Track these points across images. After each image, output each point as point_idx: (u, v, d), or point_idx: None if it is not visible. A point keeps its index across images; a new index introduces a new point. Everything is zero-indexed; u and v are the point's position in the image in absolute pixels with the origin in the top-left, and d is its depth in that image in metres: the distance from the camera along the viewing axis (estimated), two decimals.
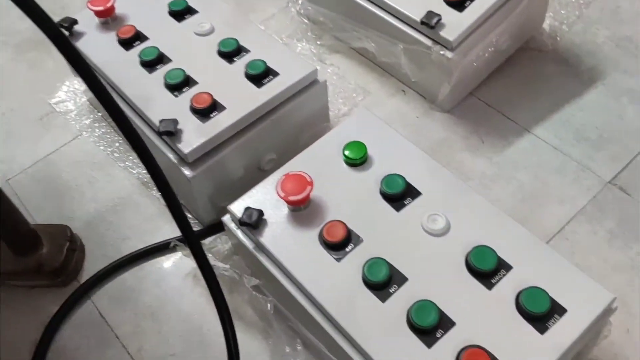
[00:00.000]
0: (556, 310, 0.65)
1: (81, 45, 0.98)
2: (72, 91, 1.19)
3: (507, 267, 0.69)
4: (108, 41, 0.98)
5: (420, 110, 1.09)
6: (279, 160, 0.93)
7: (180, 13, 1.01)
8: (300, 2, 1.21)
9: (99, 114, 1.14)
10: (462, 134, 1.05)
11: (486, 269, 0.68)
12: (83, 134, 1.13)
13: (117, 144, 1.10)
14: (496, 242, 0.71)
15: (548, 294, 0.66)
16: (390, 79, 1.14)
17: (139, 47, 0.96)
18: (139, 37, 0.98)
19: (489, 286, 0.68)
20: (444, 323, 0.66)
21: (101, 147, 1.10)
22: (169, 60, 0.94)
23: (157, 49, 0.94)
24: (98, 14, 0.99)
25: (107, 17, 1.00)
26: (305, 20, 1.22)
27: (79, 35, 1.00)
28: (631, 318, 0.83)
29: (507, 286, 0.68)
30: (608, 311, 0.68)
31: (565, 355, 0.64)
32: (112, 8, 0.99)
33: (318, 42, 1.20)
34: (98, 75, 0.51)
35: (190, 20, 1.00)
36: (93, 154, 1.10)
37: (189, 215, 1.00)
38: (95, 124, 1.13)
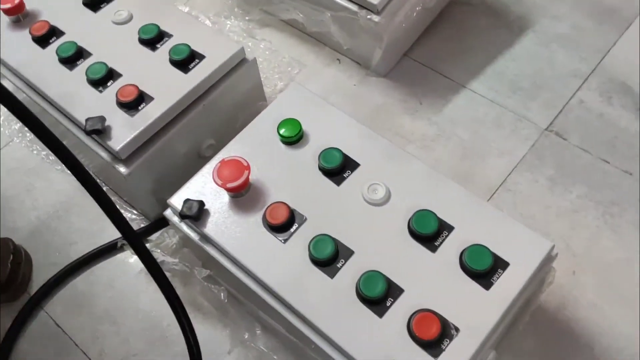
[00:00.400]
0: (499, 264, 0.67)
1: None
2: None
3: (449, 228, 0.70)
4: (22, 40, 0.93)
5: (357, 78, 1.08)
6: (218, 145, 0.90)
7: (96, 2, 0.97)
8: None
9: None
10: (400, 97, 1.05)
11: (428, 232, 0.69)
12: (14, 140, 1.08)
13: None
14: (436, 204, 0.71)
15: (490, 250, 0.67)
16: (324, 49, 1.13)
17: (56, 44, 0.92)
18: (55, 32, 0.93)
19: (433, 249, 0.69)
20: (393, 291, 0.66)
21: (34, 152, 1.06)
22: (89, 54, 0.90)
23: (75, 43, 0.90)
24: (7, 11, 0.94)
25: (18, 14, 0.95)
26: None
27: None
28: (576, 260, 0.86)
29: (450, 247, 0.69)
30: (549, 259, 0.70)
31: (511, 307, 0.65)
32: (21, 4, 0.95)
33: (247, 18, 1.17)
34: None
35: (106, 9, 0.96)
36: (27, 159, 1.06)
37: (134, 211, 0.97)
38: (25, 128, 1.08)
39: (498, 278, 0.66)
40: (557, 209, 0.91)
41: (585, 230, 0.89)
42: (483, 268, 0.66)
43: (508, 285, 0.66)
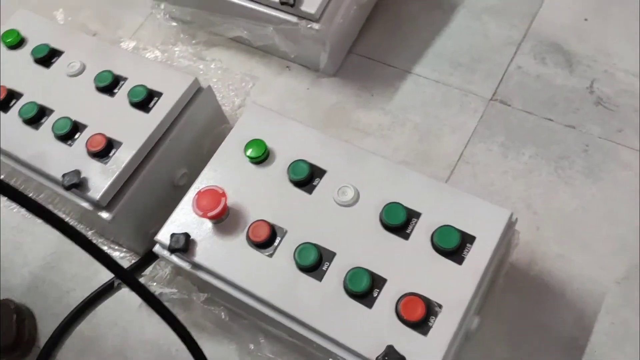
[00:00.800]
0: (466, 240, 0.74)
1: None
2: None
3: (417, 215, 0.76)
4: None
5: (308, 81, 1.14)
6: (191, 172, 0.96)
7: (46, 58, 0.99)
8: (162, 6, 1.20)
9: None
10: (351, 92, 1.11)
11: (398, 223, 0.75)
12: None
13: None
14: (401, 195, 0.78)
15: (456, 228, 0.74)
16: (272, 59, 1.17)
17: (17, 106, 0.94)
18: (13, 95, 0.96)
19: (406, 237, 0.75)
20: (377, 282, 0.73)
21: (14, 210, 1.09)
22: (51, 111, 0.93)
23: (35, 103, 0.93)
24: None
25: None
26: (174, 24, 1.22)
27: None
28: (537, 217, 0.94)
29: (421, 232, 0.75)
30: (510, 225, 0.77)
31: (484, 276, 0.72)
32: None
33: (193, 42, 1.21)
34: None
35: (58, 64, 0.99)
36: (8, 218, 1.09)
37: (123, 249, 1.02)
38: None
39: (468, 252, 0.73)
40: (513, 172, 0.98)
41: (541, 187, 0.96)
42: (453, 246, 0.72)
43: (477, 257, 0.73)
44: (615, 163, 0.96)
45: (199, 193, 0.79)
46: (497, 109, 1.05)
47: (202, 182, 0.84)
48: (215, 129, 1.00)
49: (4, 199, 1.09)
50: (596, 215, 0.93)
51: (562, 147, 0.99)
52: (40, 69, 0.99)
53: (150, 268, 0.97)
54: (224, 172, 0.85)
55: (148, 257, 0.97)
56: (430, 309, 0.70)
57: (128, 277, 0.63)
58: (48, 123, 0.92)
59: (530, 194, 0.96)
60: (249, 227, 0.79)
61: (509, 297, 0.87)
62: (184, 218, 0.82)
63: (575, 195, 0.95)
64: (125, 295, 0.98)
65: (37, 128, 0.92)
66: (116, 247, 1.02)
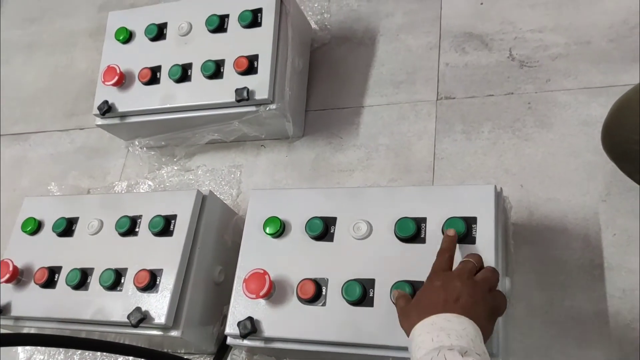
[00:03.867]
0: (470, 222, 0.87)
1: None
2: None
3: (424, 220, 0.90)
4: (29, 292, 1.08)
5: (285, 150, 1.28)
6: (226, 267, 1.09)
7: (67, 229, 1.12)
8: (137, 142, 1.34)
9: None
10: (324, 143, 1.26)
11: (411, 233, 0.89)
12: None
13: None
14: (404, 209, 0.91)
15: (458, 217, 0.87)
16: (247, 145, 1.32)
17: (61, 279, 1.06)
18: (54, 272, 1.08)
19: (422, 241, 0.89)
20: (417, 287, 0.86)
21: None
22: (91, 270, 1.05)
23: (76, 269, 1.05)
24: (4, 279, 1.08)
25: (15, 278, 1.09)
26: (152, 152, 1.36)
27: None
28: (517, 176, 1.08)
29: (432, 232, 0.89)
30: (499, 194, 0.91)
31: (496, 244, 0.85)
32: (15, 268, 1.09)
33: (175, 160, 1.35)
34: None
35: (78, 229, 1.11)
36: None
37: (195, 355, 1.13)
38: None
39: (476, 231, 0.87)
40: (482, 150, 1.13)
41: (509, 152, 1.11)
42: (462, 231, 0.86)
43: (485, 232, 0.86)
44: (557, 107, 1.12)
45: (245, 280, 0.92)
46: (446, 105, 1.20)
47: (241, 270, 0.97)
48: (229, 222, 1.13)
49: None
50: (561, 154, 1.07)
51: (510, 113, 1.15)
52: (65, 239, 1.12)
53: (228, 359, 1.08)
54: (256, 255, 0.97)
55: (221, 352, 1.09)
56: None
57: None
58: (94, 280, 1.04)
59: (503, 161, 1.11)
60: (297, 289, 0.91)
61: (523, 251, 1.00)
62: (240, 306, 0.95)
63: (537, 146, 1.10)
64: None
65: (87, 289, 1.04)
66: (189, 356, 1.13)
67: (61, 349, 1.22)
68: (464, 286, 0.71)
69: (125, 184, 1.37)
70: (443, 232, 0.88)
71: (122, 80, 1.26)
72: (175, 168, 1.34)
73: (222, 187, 1.28)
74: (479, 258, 0.78)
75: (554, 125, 1.11)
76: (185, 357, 1.13)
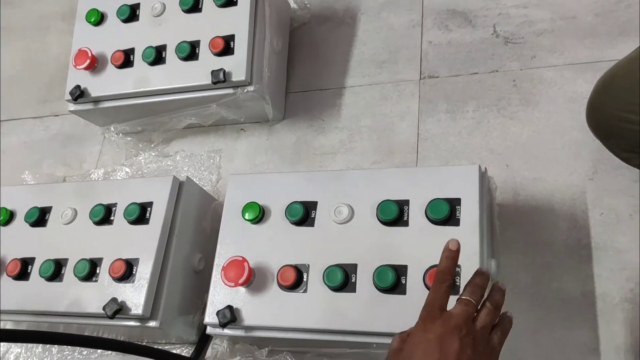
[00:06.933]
0: (454, 203, 0.85)
1: None
2: None
3: (406, 203, 0.87)
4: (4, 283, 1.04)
5: (265, 133, 1.25)
6: (205, 255, 1.06)
7: (39, 219, 1.08)
8: (112, 128, 1.30)
9: None
10: (305, 126, 1.22)
11: (394, 216, 0.86)
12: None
13: None
14: (386, 192, 0.89)
15: (441, 198, 0.85)
16: (226, 129, 1.28)
17: (35, 270, 1.02)
18: (27, 263, 1.04)
19: (405, 224, 0.86)
20: (400, 271, 0.83)
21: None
22: (65, 260, 1.01)
23: (49, 260, 1.02)
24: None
25: None
26: (129, 138, 1.32)
27: None
28: (502, 156, 1.06)
29: (416, 215, 0.86)
30: (483, 175, 0.88)
31: (481, 226, 0.83)
32: None
33: (152, 145, 1.31)
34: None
35: (52, 219, 1.07)
36: None
37: (176, 345, 1.10)
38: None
39: (460, 213, 0.84)
40: (466, 130, 1.10)
41: (494, 131, 1.08)
42: (445, 214, 0.83)
43: (469, 213, 0.84)
44: (542, 84, 1.09)
45: (224, 268, 0.89)
46: (429, 84, 1.17)
47: (220, 258, 0.94)
48: (208, 209, 1.10)
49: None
50: (547, 133, 1.05)
51: (495, 91, 1.12)
52: (38, 230, 1.08)
53: (209, 349, 1.05)
54: (235, 242, 0.94)
55: (202, 341, 1.06)
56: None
57: None
58: (69, 271, 1.01)
59: (488, 140, 1.08)
60: (277, 276, 0.88)
61: (509, 233, 0.98)
62: (219, 295, 0.92)
63: (523, 125, 1.07)
64: None
65: (61, 280, 1.01)
66: (169, 346, 1.10)
67: None
68: (463, 345, 0.59)
69: (101, 171, 1.32)
70: (426, 215, 0.85)
71: (94, 64, 1.22)
72: (153, 154, 1.30)
73: (202, 173, 1.24)
74: (484, 280, 0.65)
75: (540, 103, 1.08)
76: (166, 347, 1.11)
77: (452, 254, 0.65)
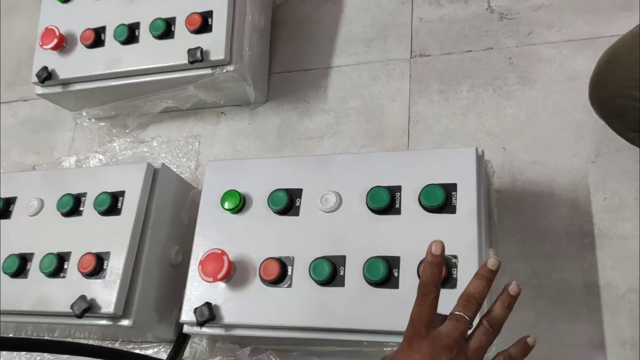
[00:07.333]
0: (450, 189, 0.78)
1: None
2: None
3: (398, 189, 0.81)
4: None
5: (247, 117, 1.17)
6: (183, 247, 0.99)
7: (3, 211, 1.00)
8: (84, 113, 1.22)
9: None
10: (289, 108, 1.15)
11: (385, 203, 0.79)
12: None
13: None
14: (376, 178, 0.82)
15: (436, 184, 0.78)
16: (205, 113, 1.21)
17: None
18: None
19: (397, 212, 0.80)
20: (393, 263, 0.77)
21: None
22: (31, 255, 0.94)
23: (13, 255, 0.94)
24: None
25: None
26: (102, 123, 1.24)
27: None
28: (499, 138, 1.00)
29: (408, 202, 0.80)
30: (480, 158, 0.82)
31: (479, 213, 0.77)
32: None
33: (127, 131, 1.23)
34: None
35: (16, 210, 1.00)
36: None
37: (154, 343, 1.04)
38: None
39: (456, 199, 0.78)
40: (460, 111, 1.04)
41: (490, 112, 1.02)
42: (440, 200, 0.77)
43: (466, 199, 0.77)
44: (540, 62, 1.03)
45: (201, 262, 0.82)
46: (421, 63, 1.10)
47: (198, 251, 0.87)
48: (186, 198, 1.03)
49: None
50: (546, 113, 0.99)
51: (490, 69, 1.05)
52: (2, 222, 1.00)
53: (187, 349, 0.99)
54: (213, 233, 0.88)
55: (180, 340, 0.99)
56: (450, 264, 0.74)
57: None
58: (34, 267, 0.93)
59: (483, 122, 1.02)
60: (259, 270, 0.82)
61: (507, 220, 0.92)
62: (197, 290, 0.85)
63: (520, 105, 1.01)
64: None
65: (26, 276, 0.94)
66: (146, 345, 1.04)
67: None
68: None
69: (73, 159, 1.25)
70: (420, 202, 0.79)
71: (63, 44, 1.13)
72: (128, 140, 1.22)
73: (180, 160, 1.17)
74: (482, 286, 0.55)
75: (538, 81, 1.02)
76: (142, 346, 1.04)
77: (435, 260, 0.55)
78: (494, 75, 1.04)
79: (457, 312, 0.54)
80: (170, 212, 0.99)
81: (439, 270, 0.55)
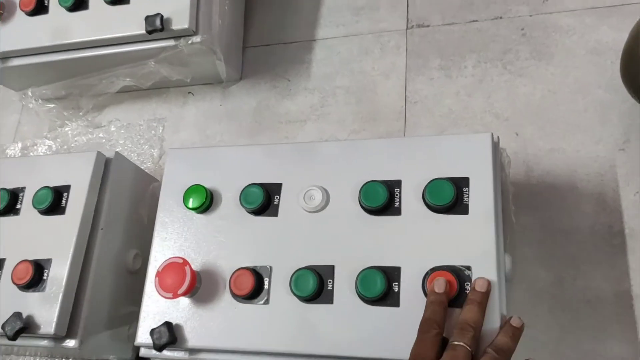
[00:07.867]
0: (460, 185, 0.65)
1: None
2: None
3: (397, 184, 0.67)
4: None
5: (218, 97, 1.02)
6: (143, 250, 0.84)
7: None
8: (30, 92, 1.05)
9: None
10: (267, 87, 1.00)
11: (382, 201, 0.65)
12: None
13: None
14: (370, 170, 0.68)
15: (443, 178, 0.64)
16: (170, 92, 1.05)
17: None
18: None
19: (397, 212, 0.66)
20: (391, 275, 0.63)
21: None
22: None
23: None
24: None
25: None
26: (51, 105, 1.07)
27: None
28: (510, 122, 0.86)
29: (410, 199, 0.66)
30: (496, 145, 0.68)
31: (496, 215, 0.63)
32: None
33: (81, 114, 1.07)
34: None
35: None
36: None
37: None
38: None
39: (469, 197, 0.64)
40: (465, 90, 0.90)
41: (500, 91, 0.88)
42: (450, 198, 0.63)
43: (481, 197, 0.63)
44: (558, 33, 0.89)
45: (159, 273, 0.68)
46: (419, 34, 0.96)
47: (156, 258, 0.72)
48: (145, 192, 0.88)
49: None
50: (565, 92, 0.85)
51: (500, 41, 0.91)
52: None
53: None
54: (175, 237, 0.73)
55: None
56: (461, 276, 0.61)
57: None
58: None
59: (492, 102, 0.88)
60: (229, 282, 0.68)
61: (524, 219, 0.79)
62: (155, 307, 0.70)
63: (535, 82, 0.87)
64: None
65: None
66: None
67: None
68: None
69: (19, 145, 1.09)
70: (424, 200, 0.65)
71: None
72: (82, 124, 1.06)
73: (141, 147, 1.02)
74: (477, 310, 0.55)
75: (555, 55, 0.88)
76: None
77: (438, 299, 0.56)
78: (503, 49, 0.90)
79: (454, 342, 0.53)
80: (126, 210, 0.84)
81: (442, 308, 0.56)
